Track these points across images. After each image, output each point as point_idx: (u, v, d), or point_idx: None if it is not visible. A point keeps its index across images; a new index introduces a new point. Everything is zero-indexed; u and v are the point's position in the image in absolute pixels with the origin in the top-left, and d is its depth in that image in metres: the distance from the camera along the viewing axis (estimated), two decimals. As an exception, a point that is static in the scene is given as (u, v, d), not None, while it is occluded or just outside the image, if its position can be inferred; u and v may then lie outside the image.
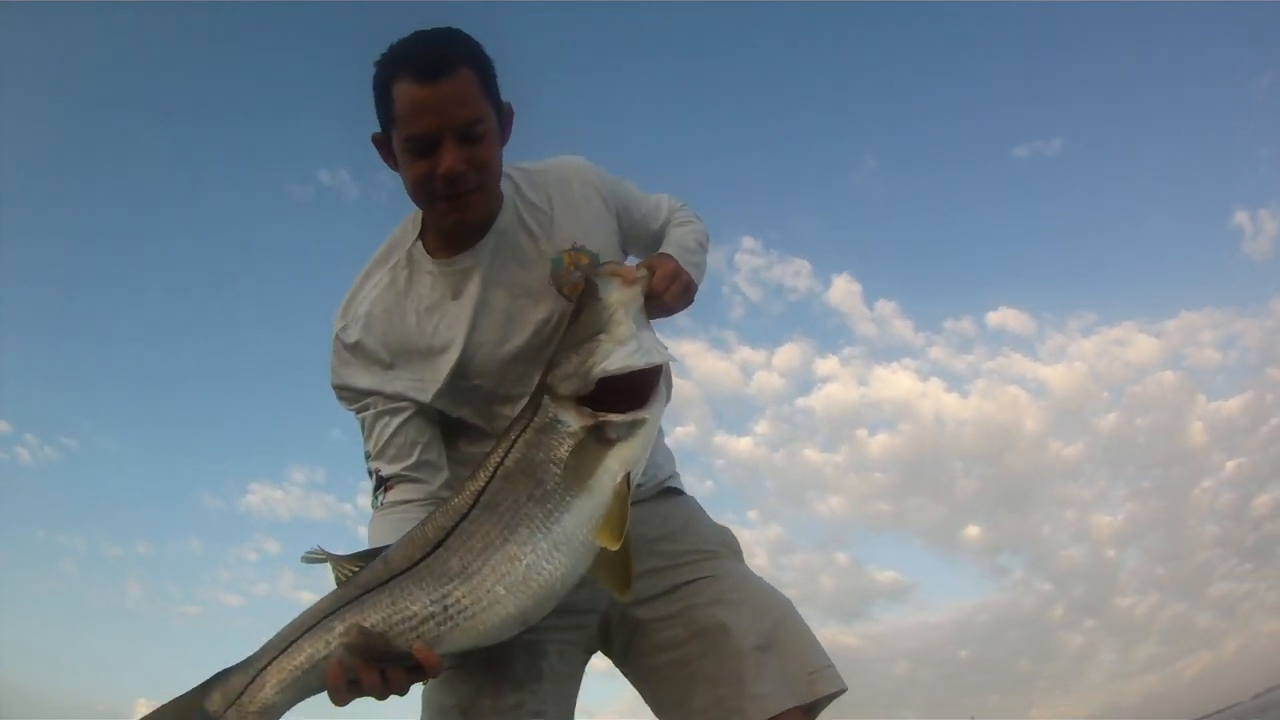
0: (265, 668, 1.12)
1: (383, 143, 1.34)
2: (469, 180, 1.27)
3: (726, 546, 1.47)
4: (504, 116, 1.35)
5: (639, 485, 1.27)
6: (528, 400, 1.24)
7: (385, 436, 1.37)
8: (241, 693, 1.12)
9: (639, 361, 1.16)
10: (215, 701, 1.13)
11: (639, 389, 1.18)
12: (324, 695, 1.12)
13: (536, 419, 1.18)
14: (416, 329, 1.38)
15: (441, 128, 1.22)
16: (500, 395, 1.40)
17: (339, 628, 1.10)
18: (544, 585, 1.12)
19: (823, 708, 1.33)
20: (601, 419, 1.15)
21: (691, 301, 1.36)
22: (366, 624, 1.10)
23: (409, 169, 1.28)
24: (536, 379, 1.30)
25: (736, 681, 1.29)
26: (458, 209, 1.30)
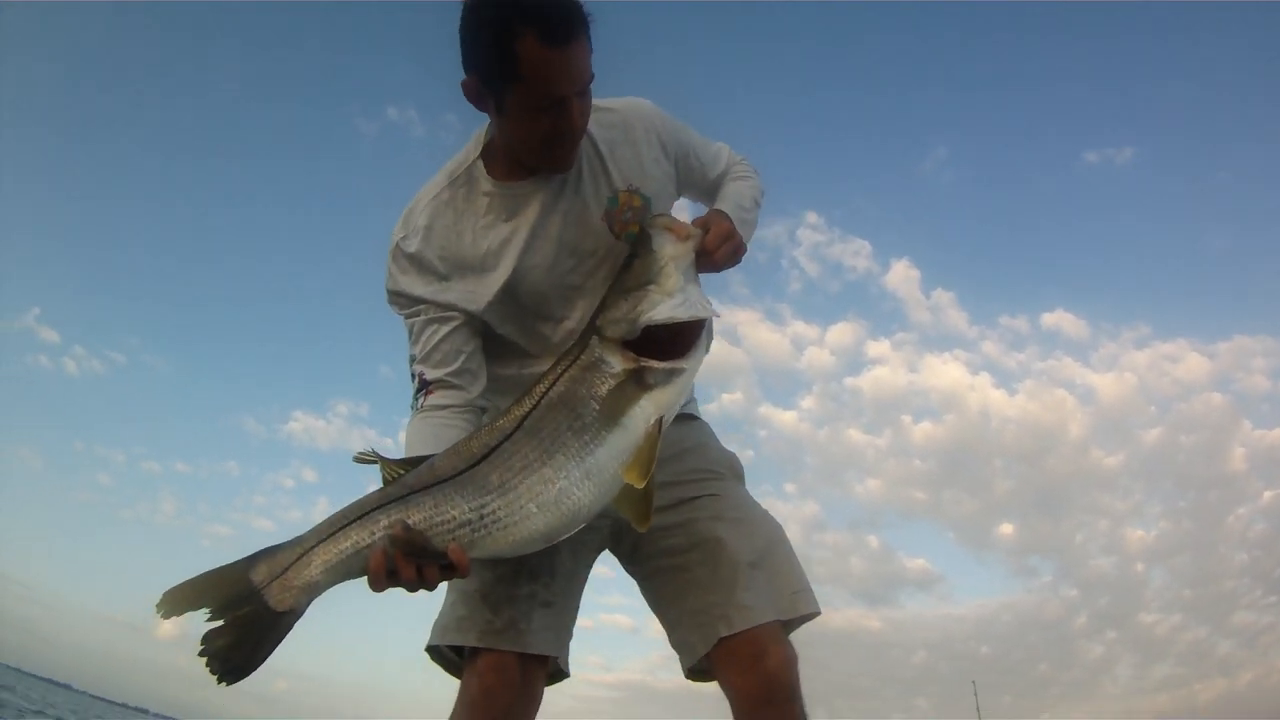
0: (313, 548, 1.20)
1: (484, 89, 1.34)
2: (580, 127, 1.36)
3: (731, 469, 1.58)
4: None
5: None
6: (578, 338, 1.33)
7: (433, 343, 1.44)
8: (288, 568, 1.19)
9: (683, 314, 1.26)
10: (260, 573, 1.19)
11: (681, 340, 1.27)
12: (361, 581, 1.20)
13: (583, 356, 1.27)
14: (472, 245, 1.45)
15: (572, 88, 1.29)
16: (544, 315, 1.48)
17: (384, 521, 1.19)
18: (571, 509, 1.22)
19: (798, 626, 1.45)
20: (643, 364, 1.24)
21: (739, 262, 1.42)
22: (409, 521, 1.18)
23: (532, 124, 1.32)
24: (579, 305, 1.44)
25: (727, 590, 1.40)
26: (566, 154, 1.39)
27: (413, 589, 1.19)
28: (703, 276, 1.36)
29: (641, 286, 1.27)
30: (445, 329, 1.44)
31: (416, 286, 1.46)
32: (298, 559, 1.20)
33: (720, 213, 1.43)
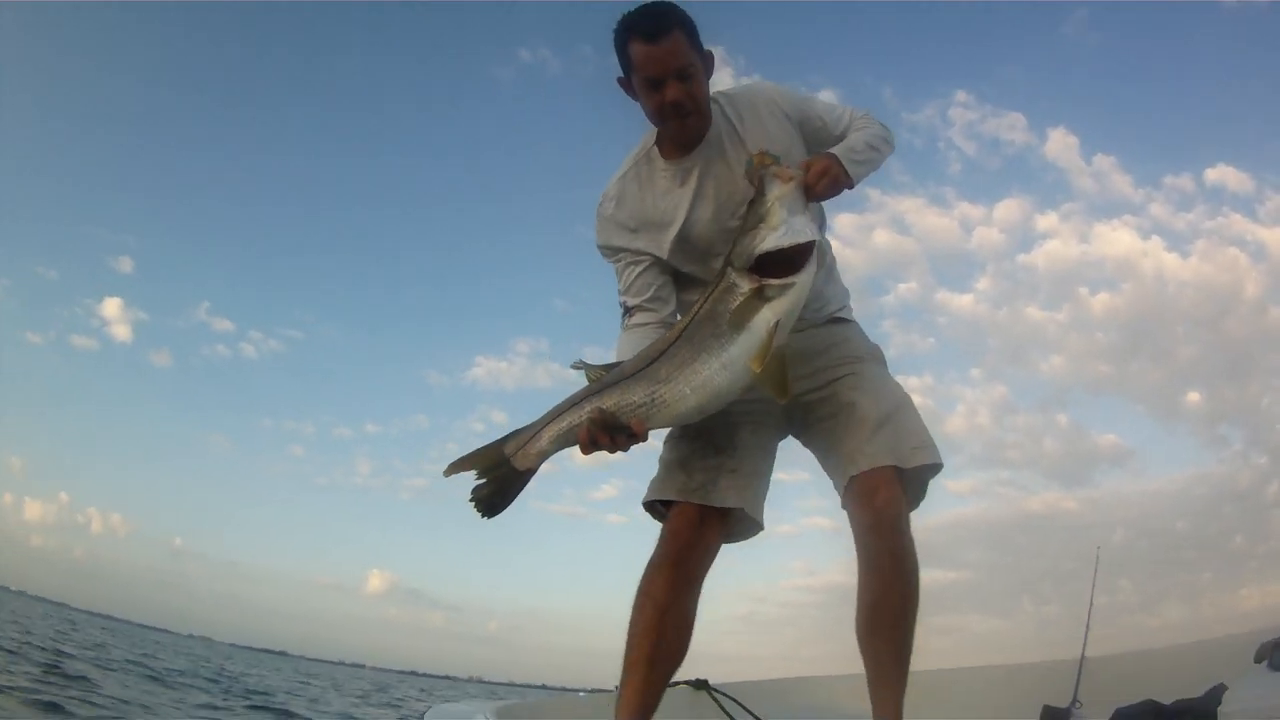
0: (542, 428, 1.70)
1: (624, 82, 1.86)
2: (686, 106, 1.79)
3: (872, 355, 1.99)
4: (707, 61, 1.84)
5: (817, 312, 1.94)
6: (719, 270, 1.71)
7: (631, 279, 1.93)
8: (527, 442, 1.71)
9: (785, 242, 1.60)
10: (510, 446, 1.72)
11: (790, 261, 1.61)
12: (575, 449, 1.68)
13: (722, 283, 1.67)
14: (652, 207, 1.92)
15: (665, 72, 1.75)
16: (713, 254, 1.88)
17: (587, 407, 1.67)
18: (714, 390, 1.64)
19: (923, 478, 1.81)
20: (762, 283, 1.61)
21: (840, 190, 1.73)
22: (604, 404, 1.66)
23: (648, 100, 1.81)
24: None
25: (857, 441, 1.79)
26: (680, 125, 1.84)
27: (611, 451, 1.65)
28: (853, 194, 1.79)
29: (756, 225, 1.63)
30: (639, 268, 1.93)
31: (615, 239, 1.95)
32: (533, 436, 1.71)
33: (825, 154, 1.74)
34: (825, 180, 1.69)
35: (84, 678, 7.24)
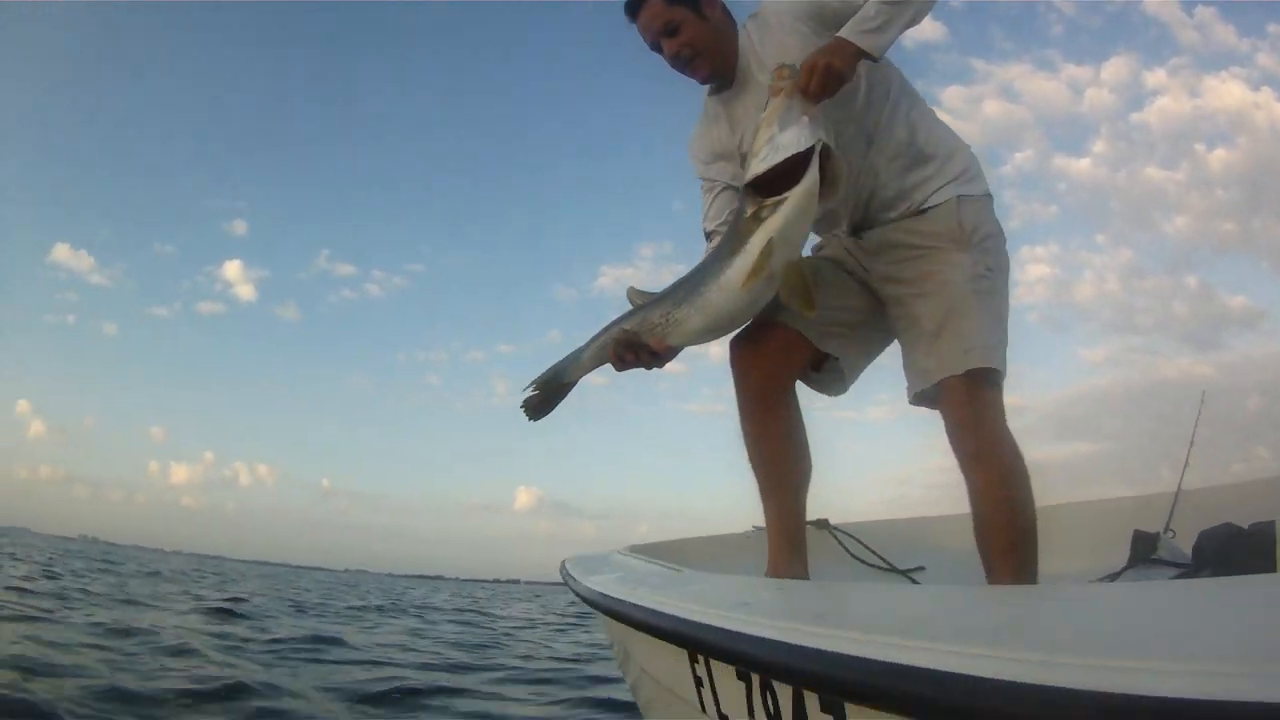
0: (584, 349, 1.88)
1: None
2: (684, 55, 1.90)
3: (952, 240, 1.87)
4: (702, 7, 1.89)
5: (887, 209, 1.92)
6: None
7: (708, 205, 2.04)
8: (570, 365, 1.92)
9: (766, 165, 1.61)
10: (561, 364, 1.93)
11: (780, 179, 1.61)
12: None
13: (738, 209, 1.73)
14: (715, 140, 2.04)
15: (654, 36, 1.89)
16: None
17: (616, 329, 1.81)
18: (715, 311, 1.71)
19: (990, 379, 1.77)
20: (759, 204, 1.64)
21: (838, 81, 1.66)
22: (627, 325, 1.80)
23: (665, 59, 1.93)
24: None
25: (913, 355, 1.86)
26: (693, 72, 1.95)
27: (644, 367, 1.80)
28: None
29: (752, 152, 1.68)
30: (713, 195, 2.03)
31: (697, 170, 2.10)
32: (577, 357, 1.89)
33: (820, 50, 1.69)
34: (815, 79, 1.64)
35: (269, 616, 7.89)
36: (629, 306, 1.89)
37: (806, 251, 2.07)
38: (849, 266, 2.01)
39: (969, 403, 1.76)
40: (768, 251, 1.60)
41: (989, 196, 1.93)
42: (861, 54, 1.68)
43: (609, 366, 1.85)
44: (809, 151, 1.59)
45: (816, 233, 2.11)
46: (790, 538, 1.94)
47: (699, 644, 1.29)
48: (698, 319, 1.71)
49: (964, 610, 1.06)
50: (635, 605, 1.59)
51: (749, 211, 1.65)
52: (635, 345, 1.77)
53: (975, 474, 1.75)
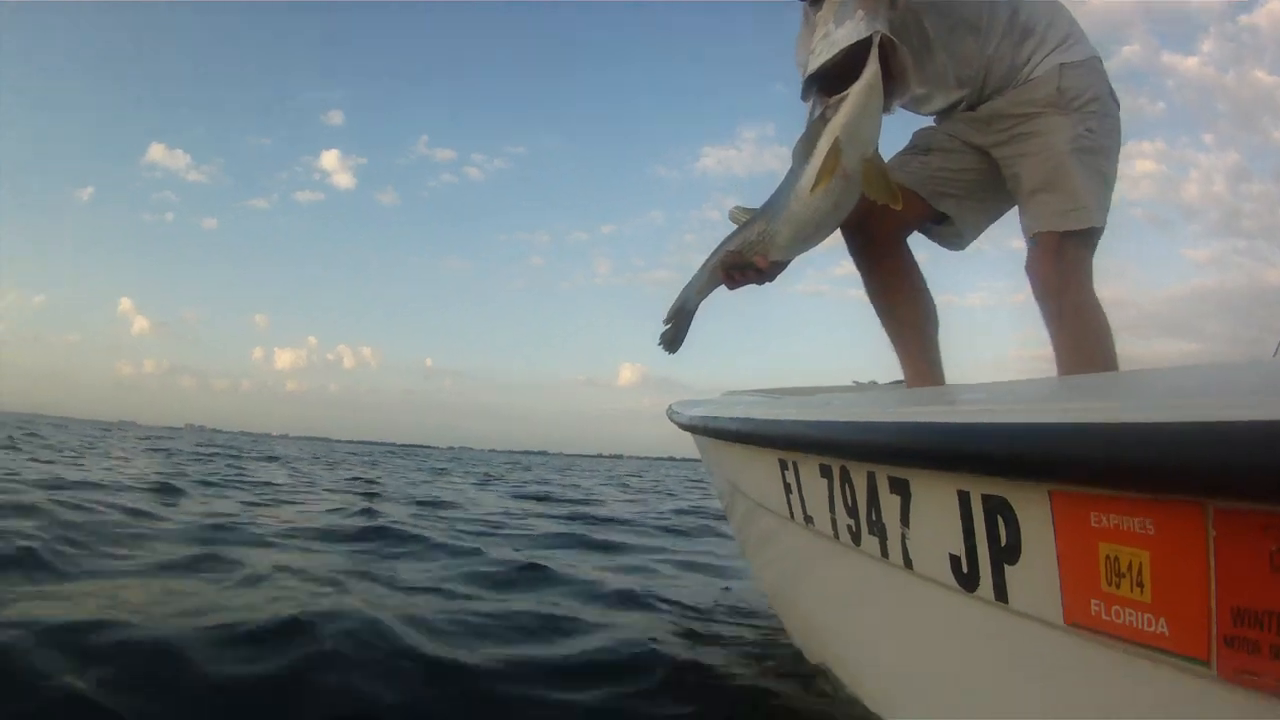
0: (699, 274, 1.95)
1: None
2: None
3: (1052, 105, 1.92)
4: None
5: (981, 86, 1.95)
6: None
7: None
8: (694, 289, 1.97)
9: (815, 64, 1.62)
10: (684, 294, 2.00)
11: (842, 74, 1.58)
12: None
13: (809, 111, 1.75)
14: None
15: None
16: None
17: (721, 252, 1.85)
18: (797, 220, 1.71)
19: (1085, 240, 1.84)
20: (824, 103, 1.64)
21: None
22: (730, 246, 1.84)
23: None
24: None
25: (1020, 216, 1.93)
26: None
27: (757, 283, 1.86)
28: None
29: (811, 49, 1.66)
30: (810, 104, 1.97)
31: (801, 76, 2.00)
32: (694, 285, 1.97)
33: None
34: None
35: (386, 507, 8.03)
36: (730, 213, 1.93)
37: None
38: (964, 135, 2.05)
39: (1057, 262, 1.83)
40: (835, 152, 1.59)
41: (1094, 59, 1.94)
42: None
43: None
44: (868, 43, 1.55)
45: (936, 122, 2.14)
46: (928, 370, 2.04)
47: (788, 440, 1.56)
48: (786, 231, 1.73)
49: (1049, 391, 1.18)
50: (731, 418, 1.89)
51: (817, 111, 1.66)
52: (742, 264, 1.82)
53: (1058, 335, 1.83)
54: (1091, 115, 1.88)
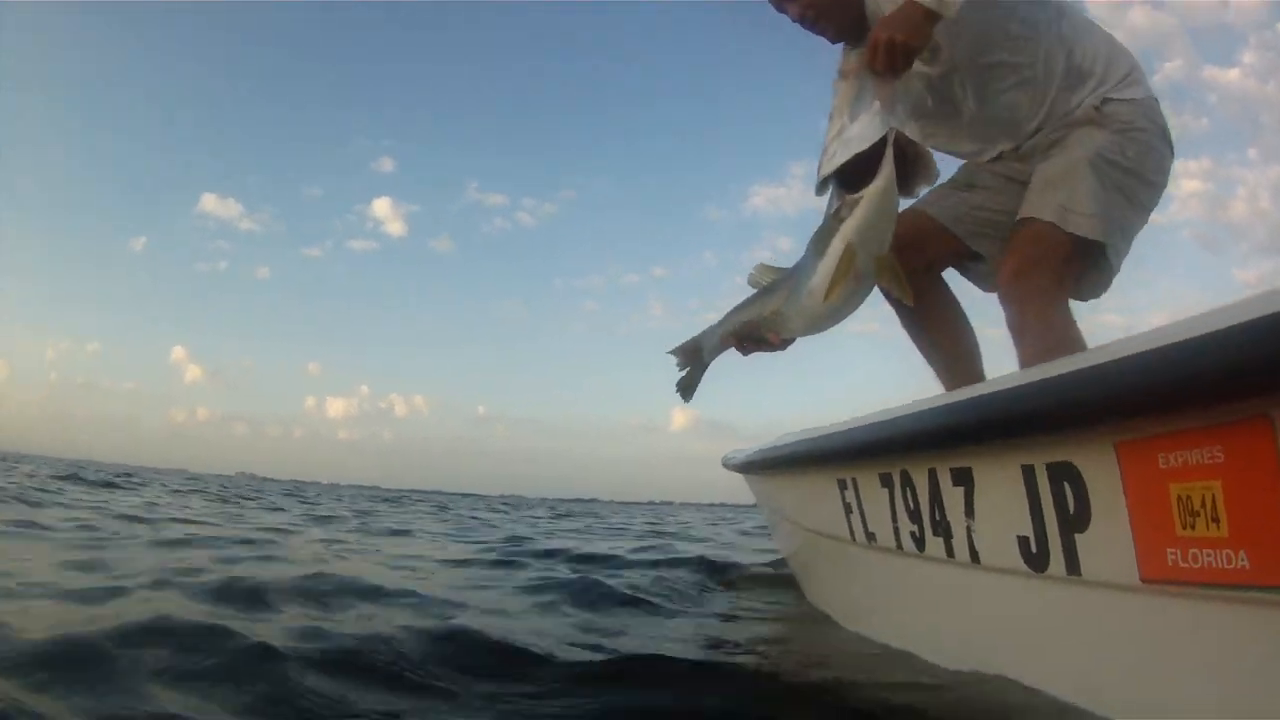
0: (712, 332, 1.88)
1: None
2: (809, 16, 1.83)
3: (1091, 122, 1.80)
4: None
5: (1035, 129, 1.81)
6: None
7: None
8: (706, 346, 1.90)
9: (830, 167, 1.57)
10: (700, 342, 1.91)
11: (860, 176, 1.51)
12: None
13: (829, 202, 1.65)
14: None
15: (778, 4, 1.87)
16: None
17: (736, 322, 1.81)
18: (806, 314, 1.66)
19: (1074, 251, 1.68)
20: (842, 200, 1.56)
21: (907, 54, 1.55)
22: (745, 318, 1.79)
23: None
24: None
25: (1027, 197, 1.77)
26: (820, 33, 1.88)
27: (768, 352, 1.81)
28: None
29: (825, 145, 1.63)
30: None
31: None
32: (707, 343, 1.90)
33: (883, 21, 1.58)
34: (879, 58, 1.54)
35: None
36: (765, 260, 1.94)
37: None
38: (1008, 172, 1.96)
39: (1029, 245, 1.69)
40: (849, 257, 1.54)
41: (1151, 100, 1.81)
42: (932, 15, 1.54)
43: None
44: (879, 142, 1.48)
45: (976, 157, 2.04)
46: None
47: (846, 451, 1.57)
48: (798, 321, 1.70)
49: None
50: (787, 444, 1.90)
51: (834, 208, 1.59)
52: (753, 339, 1.80)
53: (1018, 349, 1.69)
54: (1131, 141, 1.76)
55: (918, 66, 1.68)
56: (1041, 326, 1.64)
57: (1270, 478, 0.75)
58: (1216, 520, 0.81)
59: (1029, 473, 1.08)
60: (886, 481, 1.49)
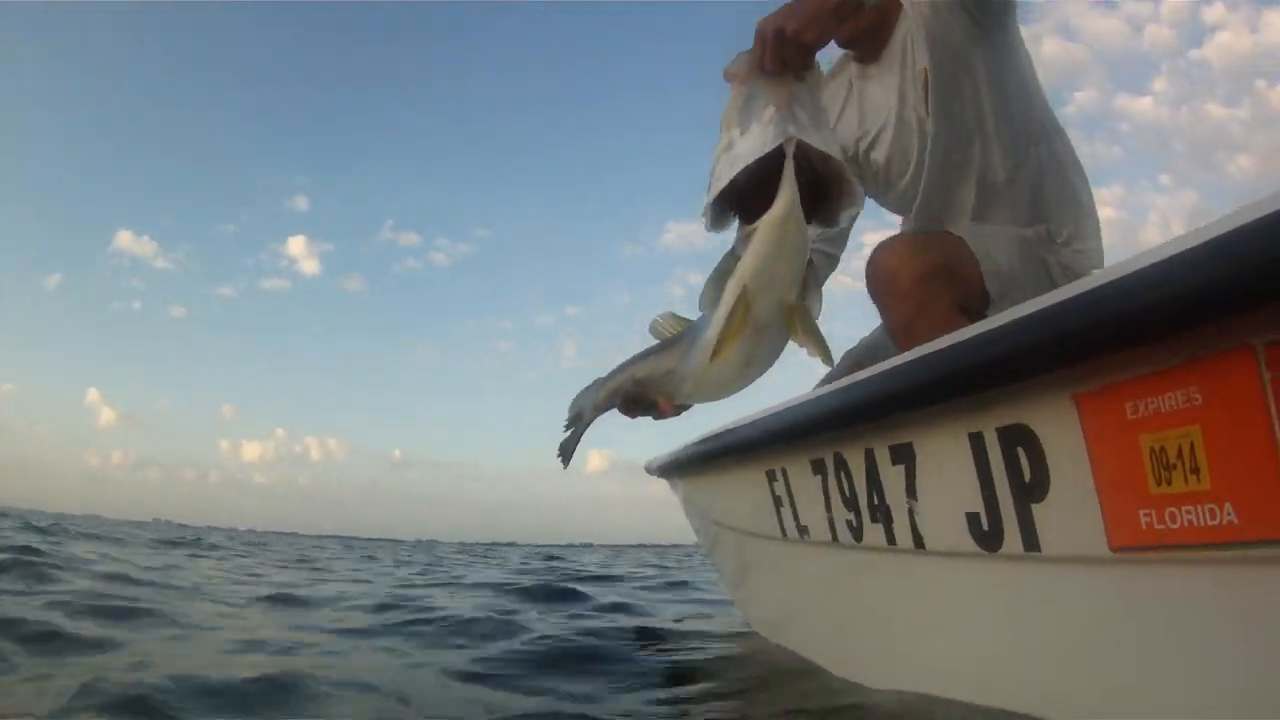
0: (597, 389, 1.61)
1: None
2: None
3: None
4: None
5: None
6: None
7: None
8: (588, 406, 1.63)
9: (714, 190, 1.21)
10: (581, 401, 1.66)
11: (752, 206, 1.18)
12: None
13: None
14: (841, 122, 1.76)
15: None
16: (881, 183, 1.76)
17: (625, 377, 1.53)
18: (703, 379, 1.35)
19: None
20: (741, 231, 1.25)
21: (800, 47, 1.20)
22: (636, 374, 1.50)
23: None
24: None
25: None
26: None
27: (642, 416, 1.55)
28: None
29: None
30: None
31: None
32: (588, 401, 1.64)
33: (778, 9, 1.24)
34: (768, 54, 1.20)
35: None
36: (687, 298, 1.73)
37: None
38: None
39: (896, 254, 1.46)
40: (742, 304, 1.21)
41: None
42: (845, 3, 1.26)
43: None
44: (780, 154, 1.13)
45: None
46: None
47: (775, 436, 1.44)
48: (689, 385, 1.39)
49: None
50: (713, 435, 1.77)
51: (733, 244, 1.27)
52: (642, 402, 1.50)
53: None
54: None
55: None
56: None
57: (1257, 414, 0.66)
58: (1196, 471, 0.71)
59: (977, 441, 0.98)
60: (819, 468, 1.37)
